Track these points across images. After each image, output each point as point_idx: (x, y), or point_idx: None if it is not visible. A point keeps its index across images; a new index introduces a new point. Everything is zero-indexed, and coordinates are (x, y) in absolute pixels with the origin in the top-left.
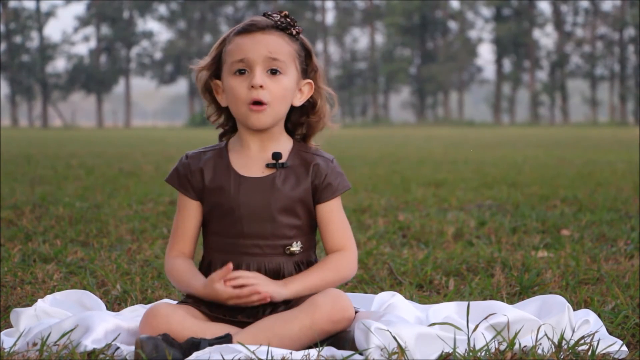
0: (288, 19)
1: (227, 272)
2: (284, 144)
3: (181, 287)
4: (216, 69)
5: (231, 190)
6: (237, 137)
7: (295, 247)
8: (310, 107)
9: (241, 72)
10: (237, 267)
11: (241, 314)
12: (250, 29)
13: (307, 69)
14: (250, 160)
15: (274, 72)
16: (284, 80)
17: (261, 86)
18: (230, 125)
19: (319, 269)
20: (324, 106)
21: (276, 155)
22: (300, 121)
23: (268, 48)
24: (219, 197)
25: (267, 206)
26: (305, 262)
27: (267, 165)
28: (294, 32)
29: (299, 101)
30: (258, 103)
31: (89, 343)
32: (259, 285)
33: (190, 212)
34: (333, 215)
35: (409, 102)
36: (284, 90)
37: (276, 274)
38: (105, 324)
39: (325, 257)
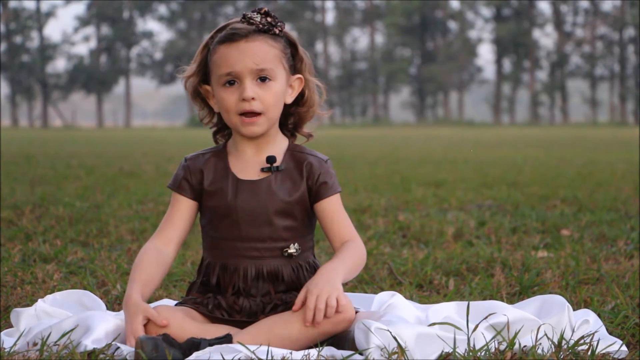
0: (269, 19)
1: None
2: (279, 145)
3: (130, 274)
4: (204, 74)
5: (229, 193)
6: (234, 140)
7: (293, 249)
8: (299, 97)
9: (230, 83)
10: (235, 270)
11: (239, 314)
12: (233, 38)
13: (295, 62)
14: (247, 163)
15: (263, 79)
16: (275, 86)
17: (253, 98)
18: (223, 124)
19: (348, 255)
20: (313, 96)
21: (270, 159)
22: (290, 111)
23: (254, 59)
24: (217, 200)
25: (263, 209)
26: (304, 263)
27: (262, 170)
28: (277, 32)
29: (290, 98)
30: (251, 115)
31: (89, 343)
32: (331, 299)
33: (184, 207)
34: (334, 209)
35: (409, 102)
36: (276, 96)
37: (274, 277)
38: (105, 324)
39: (344, 246)
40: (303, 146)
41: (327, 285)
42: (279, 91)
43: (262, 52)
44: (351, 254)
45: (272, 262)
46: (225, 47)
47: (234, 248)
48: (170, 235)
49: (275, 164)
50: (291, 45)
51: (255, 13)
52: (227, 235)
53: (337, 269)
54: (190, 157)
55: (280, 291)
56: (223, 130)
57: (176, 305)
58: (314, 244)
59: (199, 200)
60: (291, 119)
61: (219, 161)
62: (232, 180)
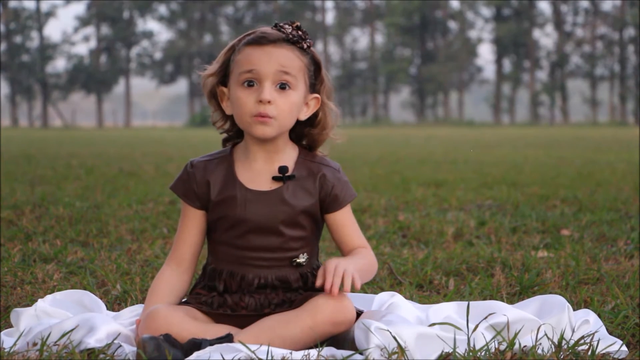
0: (300, 32)
1: None
2: (290, 154)
3: (146, 298)
4: (223, 76)
5: (238, 203)
6: (243, 147)
7: (302, 258)
8: (314, 119)
9: (249, 84)
10: (242, 278)
11: (245, 309)
12: (261, 41)
13: (315, 82)
14: (257, 172)
15: (283, 87)
16: (293, 96)
17: (269, 102)
18: (235, 131)
19: (363, 257)
20: (327, 119)
21: (282, 169)
22: (303, 133)
23: (279, 61)
24: (226, 210)
25: (274, 220)
26: (310, 271)
27: (274, 178)
28: (305, 46)
29: (304, 115)
30: (264, 115)
31: (92, 342)
32: (346, 271)
33: (194, 221)
34: (345, 221)
35: (409, 102)
36: (292, 105)
37: (283, 284)
38: (108, 326)
39: (355, 250)
40: (314, 154)
41: (343, 261)
42: (297, 102)
43: (288, 59)
44: (361, 257)
45: (280, 272)
46: (252, 48)
47: (241, 257)
48: (183, 254)
49: (287, 174)
50: (315, 64)
51: (287, 24)
52: (235, 244)
53: (348, 261)
54: (196, 162)
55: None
56: (234, 139)
57: (180, 304)
58: (318, 249)
59: (207, 209)
60: (305, 140)
61: (226, 170)
62: (240, 190)
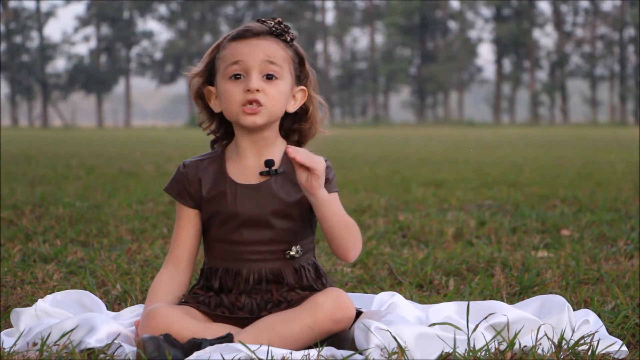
0: (282, 26)
1: None
2: (279, 149)
3: (146, 300)
4: (209, 76)
5: (228, 198)
6: (234, 145)
7: (294, 251)
8: (302, 114)
9: (236, 76)
10: (237, 274)
11: (242, 311)
12: (245, 35)
13: (300, 75)
14: (247, 168)
15: (269, 77)
16: (280, 84)
17: (257, 90)
18: (222, 133)
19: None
20: (316, 113)
21: (268, 163)
22: (292, 128)
23: (264, 51)
24: (217, 205)
25: (264, 213)
26: (306, 265)
27: (261, 173)
28: (288, 39)
29: (292, 107)
30: (253, 105)
31: (92, 342)
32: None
33: (189, 220)
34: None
35: (409, 102)
36: (280, 94)
37: (277, 279)
38: (107, 327)
39: None
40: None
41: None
42: (284, 90)
43: (273, 49)
44: (351, 221)
45: (274, 265)
46: (237, 42)
47: (236, 252)
48: (181, 255)
49: (274, 168)
50: (299, 58)
51: (269, 20)
52: (228, 240)
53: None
54: (188, 163)
55: (283, 291)
56: (221, 140)
57: (178, 304)
58: (314, 245)
59: (200, 208)
60: (295, 135)
61: (217, 167)
62: (230, 186)
